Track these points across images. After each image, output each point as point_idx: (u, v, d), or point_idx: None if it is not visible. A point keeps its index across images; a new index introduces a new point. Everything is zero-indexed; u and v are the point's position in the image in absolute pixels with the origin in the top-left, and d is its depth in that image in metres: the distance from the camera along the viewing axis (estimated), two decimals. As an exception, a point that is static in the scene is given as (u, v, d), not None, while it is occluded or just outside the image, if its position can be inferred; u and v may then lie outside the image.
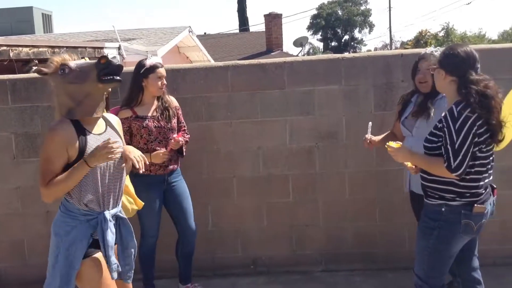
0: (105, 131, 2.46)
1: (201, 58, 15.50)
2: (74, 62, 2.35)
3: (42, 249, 4.05)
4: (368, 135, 3.25)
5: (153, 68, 3.42)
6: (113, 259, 2.39)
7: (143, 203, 3.12)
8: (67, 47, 7.90)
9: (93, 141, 2.37)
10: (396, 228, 3.95)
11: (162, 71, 3.46)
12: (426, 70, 3.09)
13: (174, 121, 3.55)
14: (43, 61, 7.25)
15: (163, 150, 3.40)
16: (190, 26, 13.82)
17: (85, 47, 8.62)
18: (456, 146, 2.38)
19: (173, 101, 3.60)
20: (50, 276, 2.38)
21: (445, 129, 2.43)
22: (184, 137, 3.57)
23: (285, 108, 3.95)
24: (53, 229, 2.41)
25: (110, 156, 2.28)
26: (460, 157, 2.38)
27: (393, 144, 2.65)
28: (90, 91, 2.32)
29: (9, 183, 4.06)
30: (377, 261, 3.99)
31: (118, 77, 2.34)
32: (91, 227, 2.38)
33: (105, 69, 2.29)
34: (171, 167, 3.51)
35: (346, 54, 4.05)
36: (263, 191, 4.04)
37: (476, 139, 2.41)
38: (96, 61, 2.32)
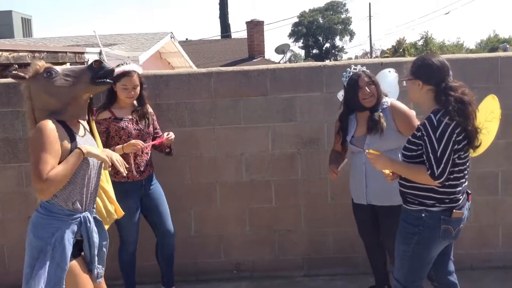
0: (85, 134, 2.51)
1: (183, 64, 15.50)
2: (58, 67, 2.41)
3: (23, 255, 4.01)
4: (339, 168, 3.29)
5: (119, 76, 3.34)
6: (96, 258, 2.44)
7: (123, 213, 3.11)
8: (47, 51, 7.83)
9: (80, 142, 2.40)
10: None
11: (128, 80, 3.37)
12: (368, 85, 3.20)
13: (151, 127, 3.57)
14: (23, 65, 7.20)
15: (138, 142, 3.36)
16: (172, 32, 13.82)
17: (65, 52, 8.56)
18: (438, 154, 2.44)
19: (148, 107, 3.60)
20: (32, 281, 2.31)
21: (425, 137, 2.49)
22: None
23: (268, 115, 3.99)
24: (34, 232, 2.36)
25: (105, 157, 2.41)
26: (442, 165, 2.45)
27: (373, 152, 2.71)
28: (79, 94, 2.38)
29: (-11, 189, 4.01)
30: (358, 265, 4.04)
31: (110, 80, 2.44)
32: (74, 227, 2.40)
33: (99, 72, 2.36)
34: (147, 172, 3.52)
35: (327, 62, 4.13)
36: (246, 197, 4.07)
37: (456, 146, 2.48)
38: (88, 64, 2.38)
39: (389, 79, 3.47)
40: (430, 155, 2.47)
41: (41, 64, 2.38)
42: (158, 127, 3.66)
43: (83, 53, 9.34)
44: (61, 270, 2.30)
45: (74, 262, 2.38)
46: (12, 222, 4.04)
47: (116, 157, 2.55)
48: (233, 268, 4.14)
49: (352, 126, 3.35)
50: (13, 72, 2.39)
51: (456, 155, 2.50)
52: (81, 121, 2.59)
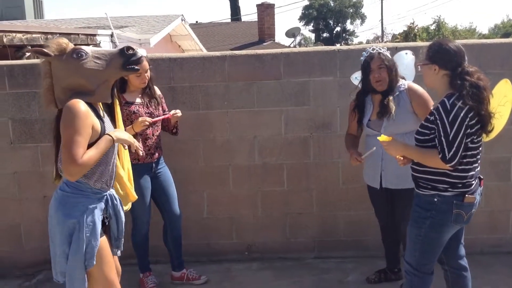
0: (104, 115, 2.56)
1: (193, 47, 15.46)
2: (88, 47, 2.43)
3: (39, 234, 4.12)
4: (364, 156, 3.28)
5: None
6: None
7: (136, 197, 3.18)
8: (60, 33, 7.87)
9: (105, 124, 2.48)
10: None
11: (141, 67, 3.30)
12: (379, 68, 3.20)
13: (160, 109, 3.61)
14: (36, 47, 7.25)
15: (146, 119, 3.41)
16: (182, 15, 13.78)
17: (77, 34, 8.59)
18: (450, 137, 2.46)
19: (156, 90, 3.63)
20: (71, 257, 2.37)
21: (438, 121, 2.51)
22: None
23: (281, 98, 4.01)
24: (63, 211, 2.38)
25: (133, 146, 2.55)
26: (454, 148, 2.46)
27: (385, 138, 2.72)
28: (108, 77, 2.44)
29: (6, 168, 4.09)
30: (368, 249, 4.09)
31: (137, 67, 2.52)
32: (103, 205, 2.49)
33: (131, 58, 2.41)
34: (156, 154, 3.57)
35: (341, 46, 4.12)
36: (258, 180, 4.11)
37: (468, 130, 2.49)
38: (119, 50, 2.41)
39: (405, 61, 3.46)
40: (442, 138, 2.49)
41: (67, 43, 2.38)
42: (166, 109, 3.69)
43: (95, 35, 9.37)
44: (92, 246, 2.37)
45: (102, 239, 2.45)
46: (28, 202, 4.12)
47: (133, 141, 2.60)
48: (244, 250, 4.20)
49: (369, 109, 3.36)
50: (37, 48, 2.40)
51: (469, 139, 2.52)
52: None
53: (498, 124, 2.66)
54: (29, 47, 7.08)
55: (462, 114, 2.46)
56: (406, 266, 2.80)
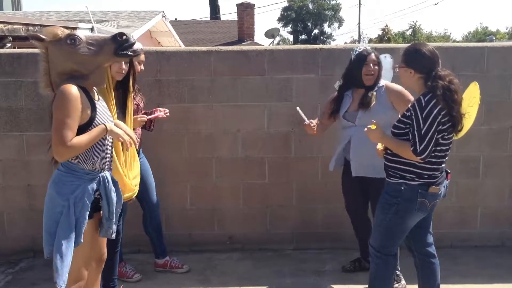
0: (99, 100, 2.61)
1: (173, 44, 15.47)
2: (83, 33, 2.50)
3: (22, 222, 4.17)
4: (308, 121, 3.56)
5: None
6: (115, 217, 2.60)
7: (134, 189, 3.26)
8: (41, 25, 7.83)
9: (98, 107, 2.53)
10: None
11: (139, 58, 3.48)
12: (373, 64, 3.44)
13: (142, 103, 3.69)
14: (17, 38, 7.20)
15: (144, 117, 3.50)
16: (163, 11, 13.79)
17: (59, 27, 8.55)
18: (422, 132, 2.65)
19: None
20: (59, 230, 2.44)
21: (413, 117, 2.69)
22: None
23: (265, 94, 4.14)
24: (56, 189, 2.48)
25: (123, 140, 2.58)
26: (425, 143, 2.64)
27: (371, 126, 2.88)
28: (101, 63, 2.50)
29: (-10, 156, 4.11)
30: (344, 240, 4.24)
31: (131, 53, 2.52)
32: (94, 186, 2.54)
33: (124, 44, 2.46)
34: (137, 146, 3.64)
35: (323, 46, 4.27)
36: (241, 172, 4.23)
37: (440, 127, 2.67)
38: (112, 35, 2.46)
39: (385, 65, 3.67)
40: (415, 132, 2.67)
41: (62, 30, 2.46)
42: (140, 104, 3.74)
43: (75, 28, 9.29)
44: (80, 224, 2.45)
45: (89, 220, 2.52)
46: (12, 190, 4.15)
47: (128, 132, 2.68)
48: (225, 240, 4.32)
49: (347, 102, 3.56)
50: (33, 32, 2.47)
51: (440, 136, 2.69)
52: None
53: (467, 123, 2.85)
54: (10, 38, 7.06)
55: (435, 112, 2.64)
56: (370, 249, 2.99)
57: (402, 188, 2.77)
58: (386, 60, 3.75)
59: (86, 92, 2.49)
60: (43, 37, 2.45)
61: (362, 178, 3.54)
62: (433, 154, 2.71)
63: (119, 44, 2.45)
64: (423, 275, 3.02)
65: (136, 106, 3.57)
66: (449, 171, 2.93)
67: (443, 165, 2.81)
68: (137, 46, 3.47)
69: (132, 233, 3.83)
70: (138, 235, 3.89)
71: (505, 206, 4.30)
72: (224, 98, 4.14)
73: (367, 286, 3.57)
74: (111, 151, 2.67)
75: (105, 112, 2.61)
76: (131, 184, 3.16)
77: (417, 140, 2.66)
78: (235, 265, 4.03)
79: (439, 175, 2.79)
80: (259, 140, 4.20)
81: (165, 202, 4.08)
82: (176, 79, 4.10)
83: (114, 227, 2.67)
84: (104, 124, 2.51)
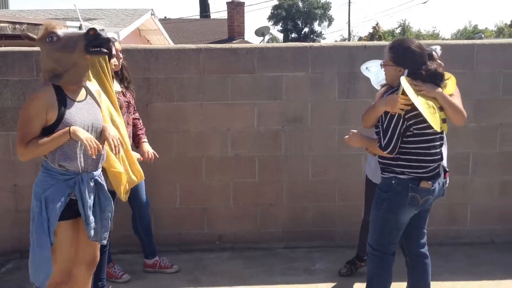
0: (85, 99, 2.55)
1: (162, 42, 15.39)
2: (62, 30, 2.43)
3: (8, 223, 4.11)
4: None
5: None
6: (92, 218, 2.51)
7: (144, 177, 3.24)
8: (28, 23, 7.74)
9: (72, 107, 2.46)
10: (353, 208, 4.19)
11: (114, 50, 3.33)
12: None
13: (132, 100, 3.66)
14: (3, 36, 7.10)
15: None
16: (152, 9, 13.71)
17: (50, 22, 8.45)
18: (384, 126, 2.67)
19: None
20: (32, 231, 2.47)
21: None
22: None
23: (254, 92, 4.12)
24: (34, 189, 2.50)
25: (85, 146, 2.40)
26: (388, 137, 2.66)
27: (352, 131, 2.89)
28: (76, 61, 2.42)
29: (-25, 156, 4.04)
30: (335, 239, 4.25)
31: (105, 50, 2.44)
32: (69, 187, 2.48)
33: (94, 40, 2.38)
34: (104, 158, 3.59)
35: (313, 43, 4.26)
36: (231, 171, 4.20)
37: (406, 122, 2.64)
38: (84, 32, 2.39)
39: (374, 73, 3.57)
40: (380, 128, 2.70)
41: (48, 28, 2.41)
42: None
43: (63, 26, 9.23)
44: (51, 226, 2.42)
45: (62, 222, 2.47)
46: (-1, 190, 4.09)
47: (113, 137, 2.55)
48: (215, 240, 4.29)
49: None
50: (24, 32, 2.44)
51: (410, 128, 2.65)
52: (90, 84, 2.65)
53: (435, 118, 2.68)
54: (-4, 36, 6.96)
55: None
56: (368, 248, 2.96)
57: (393, 182, 2.75)
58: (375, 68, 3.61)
59: (60, 92, 2.44)
60: (33, 36, 2.44)
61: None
62: (415, 151, 2.68)
63: (89, 41, 2.38)
64: (414, 275, 3.00)
65: (127, 103, 3.54)
66: (447, 169, 2.90)
67: (435, 158, 2.74)
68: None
69: (120, 233, 3.78)
70: (126, 235, 3.85)
71: (495, 203, 4.32)
72: (213, 96, 4.11)
73: (357, 283, 3.59)
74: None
75: (82, 113, 2.50)
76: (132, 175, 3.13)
77: (381, 135, 2.69)
78: (225, 264, 4.00)
79: (431, 169, 2.74)
80: (249, 139, 4.17)
81: (154, 202, 4.04)
82: (165, 78, 4.06)
83: (106, 234, 2.62)
84: (70, 128, 2.41)
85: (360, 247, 3.75)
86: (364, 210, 3.68)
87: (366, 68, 3.54)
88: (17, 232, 4.06)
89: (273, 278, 3.73)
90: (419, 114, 2.62)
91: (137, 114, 3.70)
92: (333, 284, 3.62)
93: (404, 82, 2.62)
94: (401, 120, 2.65)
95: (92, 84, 2.69)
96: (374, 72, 3.55)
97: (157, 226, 4.16)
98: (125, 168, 2.99)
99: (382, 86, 3.29)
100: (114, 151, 2.54)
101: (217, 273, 3.84)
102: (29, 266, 2.47)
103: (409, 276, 3.03)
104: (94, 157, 2.44)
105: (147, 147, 3.63)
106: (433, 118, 2.62)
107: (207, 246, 4.25)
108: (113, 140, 2.54)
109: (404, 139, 2.69)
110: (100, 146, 2.48)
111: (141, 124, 3.72)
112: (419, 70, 2.68)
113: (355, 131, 2.91)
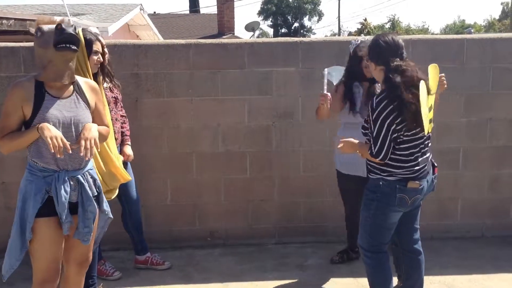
0: (69, 96, 2.48)
1: (152, 37, 15.28)
2: (48, 26, 2.35)
3: (-4, 221, 4.04)
4: (326, 92, 3.36)
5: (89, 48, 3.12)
6: (66, 215, 2.44)
7: (130, 178, 3.25)
8: (15, 19, 7.63)
9: (50, 104, 2.41)
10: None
11: (97, 45, 3.22)
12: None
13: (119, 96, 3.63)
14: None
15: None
16: (141, 4, 13.60)
17: (33, 20, 8.35)
18: (374, 134, 2.62)
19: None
20: (12, 227, 2.48)
21: (369, 118, 2.67)
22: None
23: (245, 88, 4.09)
24: (20, 185, 2.53)
25: (48, 144, 2.31)
26: (378, 144, 2.61)
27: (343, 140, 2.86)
28: (51, 57, 2.35)
29: (-38, 154, 3.98)
30: (326, 234, 4.25)
31: (72, 46, 2.34)
32: (46, 184, 2.44)
33: (59, 36, 2.30)
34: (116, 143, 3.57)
35: (304, 38, 4.24)
36: (221, 167, 4.18)
37: (394, 127, 2.59)
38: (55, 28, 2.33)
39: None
40: (369, 134, 2.67)
41: (40, 22, 2.37)
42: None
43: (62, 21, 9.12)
44: (28, 222, 2.40)
45: (42, 219, 2.43)
46: (-14, 188, 4.04)
47: (87, 137, 2.44)
48: (207, 236, 4.27)
49: (358, 97, 3.45)
50: (26, 29, 2.42)
51: (396, 134, 2.60)
52: (87, 81, 2.61)
53: (425, 120, 2.65)
54: None
55: (384, 113, 2.57)
56: (360, 251, 2.95)
57: (381, 183, 2.73)
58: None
59: (40, 88, 2.40)
60: (32, 30, 2.41)
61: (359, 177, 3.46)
62: (404, 157, 2.65)
63: (56, 36, 2.30)
64: (407, 271, 3.00)
65: (114, 99, 3.50)
66: (436, 164, 2.88)
67: (422, 159, 2.71)
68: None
69: (111, 230, 3.72)
70: (117, 233, 3.81)
71: (485, 197, 4.34)
72: (203, 92, 4.08)
73: (349, 278, 3.60)
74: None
75: (62, 110, 2.42)
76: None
77: (372, 142, 2.65)
78: (217, 261, 3.99)
79: (418, 169, 2.70)
80: (240, 134, 4.15)
81: (145, 198, 4.01)
82: (154, 73, 4.02)
83: (88, 235, 2.56)
84: (38, 126, 2.35)
85: (349, 239, 3.81)
86: (343, 203, 3.78)
87: (328, 73, 3.49)
88: (6, 230, 3.96)
89: (265, 274, 3.72)
90: (402, 120, 2.57)
91: (123, 111, 3.67)
92: (325, 280, 3.62)
93: (422, 85, 2.56)
94: (392, 127, 2.59)
95: (87, 82, 2.63)
96: (335, 77, 3.56)
97: (148, 223, 4.14)
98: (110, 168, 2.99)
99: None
100: (82, 153, 2.41)
101: (209, 269, 3.82)
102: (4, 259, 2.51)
103: (403, 272, 3.03)
104: (58, 155, 2.34)
105: (129, 150, 3.62)
106: (426, 123, 2.61)
107: (198, 242, 4.24)
108: (85, 142, 2.42)
109: (394, 145, 2.65)
110: (67, 145, 2.35)
111: (127, 123, 3.69)
112: (388, 66, 2.61)
113: (346, 139, 2.85)
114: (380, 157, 2.63)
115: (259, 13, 52.89)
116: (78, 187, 2.52)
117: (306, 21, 55.12)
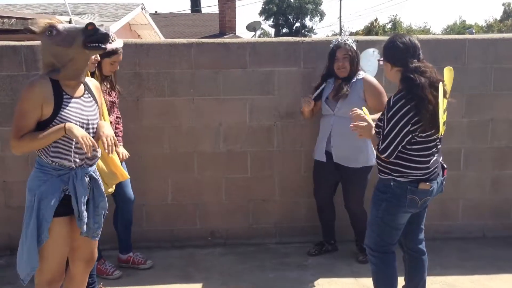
0: (82, 95, 2.51)
1: (153, 37, 15.28)
2: (62, 25, 2.39)
3: (-1, 219, 4.05)
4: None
5: (110, 53, 3.35)
6: (85, 214, 2.47)
7: (129, 176, 3.26)
8: (17, 18, 7.64)
9: (69, 103, 2.42)
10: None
11: (117, 58, 3.46)
12: (343, 58, 3.61)
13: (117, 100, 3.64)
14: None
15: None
16: (143, 4, 13.61)
17: (35, 19, 8.36)
18: (385, 132, 2.61)
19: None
20: (24, 229, 2.44)
21: (383, 116, 2.66)
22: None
23: (246, 87, 4.09)
24: (28, 185, 2.47)
25: (80, 144, 2.34)
26: (387, 142, 2.61)
27: (366, 112, 2.83)
28: (74, 56, 2.37)
29: (-37, 152, 3.98)
30: (327, 234, 4.24)
31: (103, 45, 2.39)
32: (63, 182, 2.44)
33: (92, 36, 2.33)
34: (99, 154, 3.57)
35: (305, 38, 4.23)
36: (223, 167, 4.18)
37: (409, 128, 2.57)
38: (83, 26, 2.34)
39: (371, 58, 3.83)
40: (381, 131, 2.66)
41: (46, 21, 2.37)
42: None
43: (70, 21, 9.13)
44: (45, 221, 2.39)
45: (57, 219, 2.43)
46: (-13, 187, 4.04)
47: (106, 136, 2.50)
48: (208, 235, 4.27)
49: (329, 88, 3.76)
50: (27, 26, 2.40)
51: (411, 135, 2.59)
52: (88, 80, 2.61)
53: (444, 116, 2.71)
54: None
55: (401, 113, 2.56)
56: (367, 251, 2.93)
57: (392, 184, 2.71)
58: (374, 54, 3.86)
59: (57, 87, 2.40)
60: (35, 29, 2.39)
61: (337, 165, 3.73)
62: (417, 158, 2.64)
63: (86, 36, 2.33)
64: (410, 271, 2.99)
65: (111, 102, 3.50)
66: (445, 166, 2.87)
67: (433, 161, 2.70)
68: (118, 44, 3.42)
69: (111, 230, 3.75)
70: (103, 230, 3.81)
71: (486, 198, 4.34)
72: (205, 91, 4.08)
73: (349, 278, 3.59)
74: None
75: (79, 110, 2.46)
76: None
77: (381, 139, 2.65)
78: (217, 260, 3.98)
79: (429, 171, 2.70)
80: (241, 134, 4.15)
81: (146, 198, 4.01)
82: (156, 72, 4.02)
83: (98, 231, 2.58)
84: (65, 124, 2.37)
85: (323, 229, 4.07)
86: (313, 192, 3.99)
87: (373, 51, 3.88)
88: (7, 229, 4.02)
89: (266, 274, 3.72)
90: (418, 120, 2.56)
91: (119, 113, 3.68)
92: (325, 279, 3.62)
93: (440, 87, 2.57)
94: (406, 128, 2.58)
95: (90, 80, 2.65)
96: (373, 62, 3.88)
97: (149, 222, 4.14)
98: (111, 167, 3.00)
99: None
100: (107, 150, 2.48)
101: (210, 269, 3.82)
102: (17, 258, 2.46)
103: (406, 272, 3.02)
104: (89, 155, 2.40)
105: (121, 149, 3.60)
106: (441, 125, 2.62)
107: (199, 242, 4.23)
108: (106, 139, 2.48)
109: (407, 146, 2.64)
110: (95, 144, 2.43)
111: (121, 124, 3.70)
112: (406, 67, 2.61)
113: (366, 123, 2.79)
114: (385, 154, 2.63)
115: (261, 13, 52.88)
116: (90, 184, 2.54)
117: (307, 21, 55.12)
